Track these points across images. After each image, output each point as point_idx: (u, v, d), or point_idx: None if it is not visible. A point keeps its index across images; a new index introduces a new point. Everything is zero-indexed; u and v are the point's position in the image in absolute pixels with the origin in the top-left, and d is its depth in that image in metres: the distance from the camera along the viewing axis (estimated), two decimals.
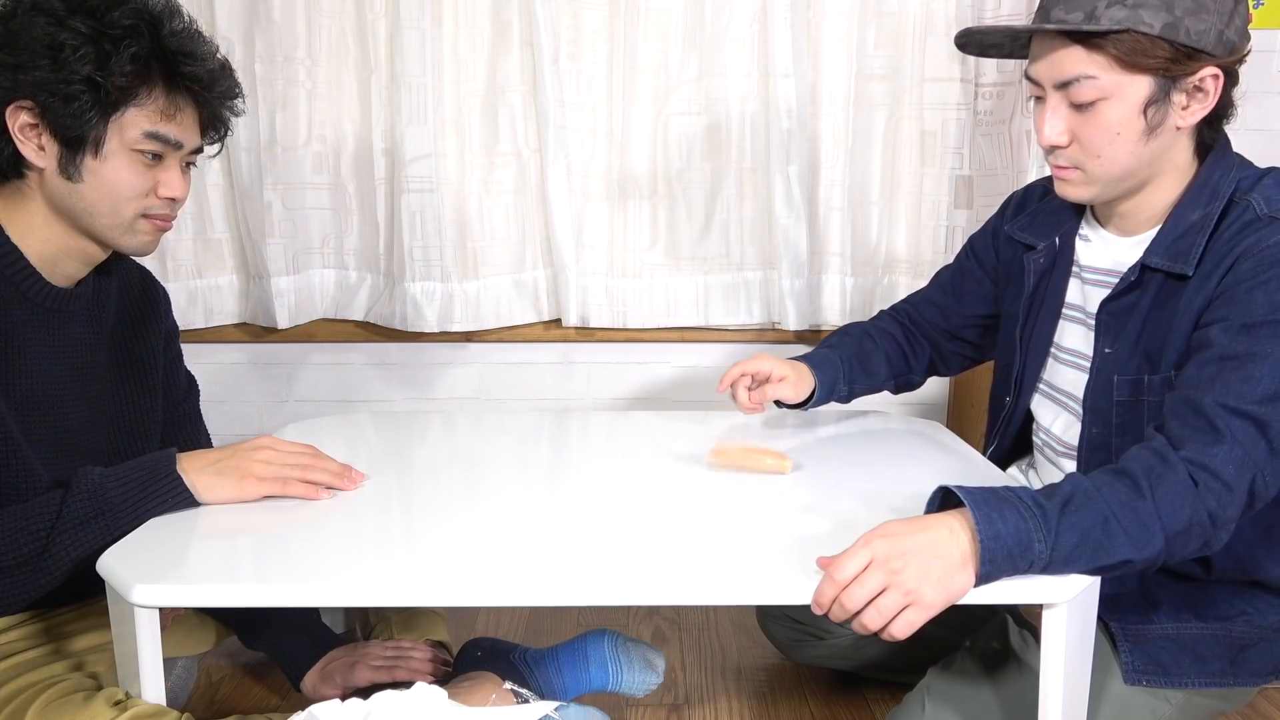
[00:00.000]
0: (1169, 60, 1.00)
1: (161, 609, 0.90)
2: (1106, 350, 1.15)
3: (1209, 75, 1.03)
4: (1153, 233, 1.12)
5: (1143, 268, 1.11)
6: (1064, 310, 1.24)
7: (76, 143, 1.05)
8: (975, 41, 1.16)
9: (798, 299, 1.89)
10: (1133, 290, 1.13)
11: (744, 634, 1.75)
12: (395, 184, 1.86)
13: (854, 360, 1.43)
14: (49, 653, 1.11)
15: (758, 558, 0.95)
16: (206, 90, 1.12)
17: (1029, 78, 1.10)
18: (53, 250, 1.11)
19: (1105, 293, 1.16)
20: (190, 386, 1.37)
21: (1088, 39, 1.01)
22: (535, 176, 1.93)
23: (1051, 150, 1.09)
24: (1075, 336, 1.22)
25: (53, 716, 0.96)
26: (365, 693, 1.00)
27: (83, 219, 1.09)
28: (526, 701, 1.19)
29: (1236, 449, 0.95)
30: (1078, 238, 1.23)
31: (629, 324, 1.97)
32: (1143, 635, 1.11)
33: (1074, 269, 1.23)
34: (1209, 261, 1.05)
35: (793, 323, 1.90)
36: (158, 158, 1.10)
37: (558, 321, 1.99)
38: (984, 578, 0.88)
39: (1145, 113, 1.03)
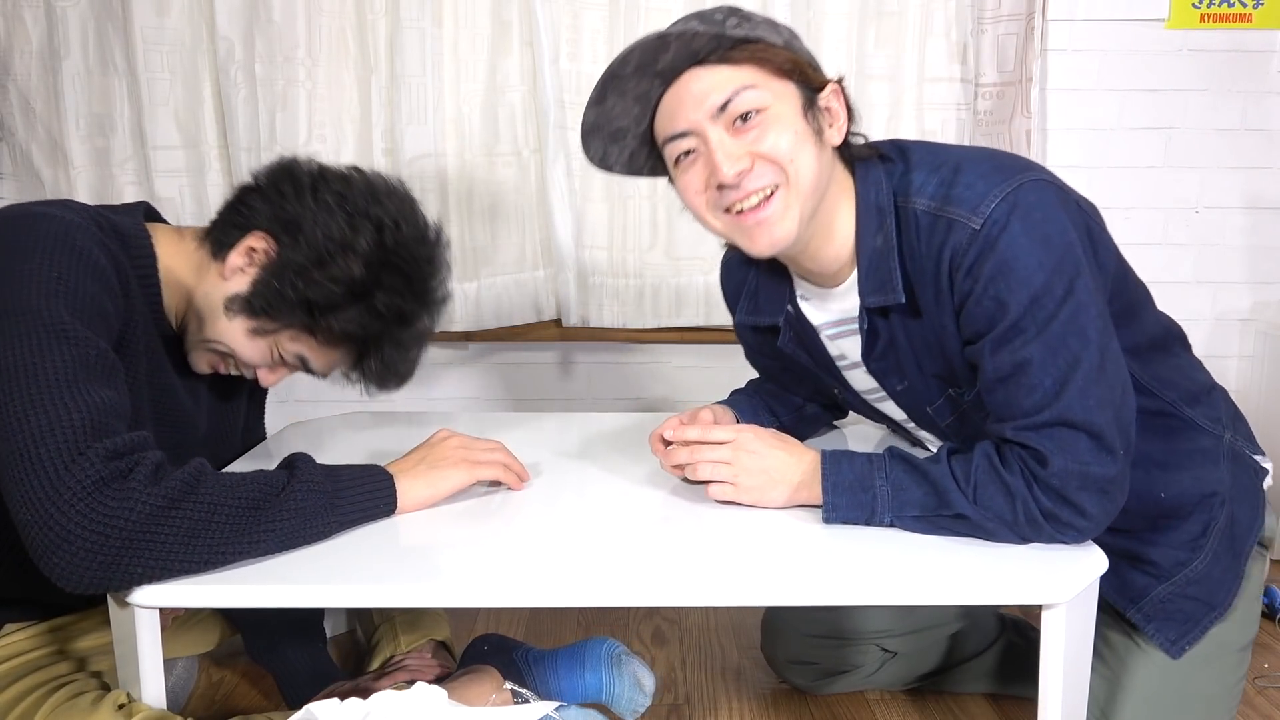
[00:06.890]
0: (799, 70, 1.01)
1: (161, 609, 0.90)
2: (899, 388, 1.13)
3: (831, 93, 1.04)
4: (854, 275, 1.08)
5: (867, 313, 1.07)
6: (838, 363, 1.19)
7: (257, 312, 1.07)
8: (601, 133, 1.07)
9: None
10: (877, 336, 1.09)
11: (744, 634, 1.75)
12: None
13: (764, 393, 1.38)
14: (53, 653, 1.11)
15: (757, 558, 0.95)
16: (379, 389, 1.15)
17: (671, 139, 1.02)
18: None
19: (856, 338, 1.12)
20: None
21: (726, 58, 0.99)
22: (535, 176, 1.93)
23: (738, 183, 0.99)
24: (866, 380, 1.17)
25: (60, 718, 0.96)
26: (365, 693, 1.00)
27: (194, 308, 1.10)
28: (526, 701, 1.19)
29: (1059, 458, 0.94)
30: (800, 301, 1.17)
31: (629, 324, 1.97)
32: (1158, 610, 1.11)
33: (816, 330, 1.17)
34: (922, 282, 1.02)
35: None
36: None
37: (558, 321, 1.99)
38: (829, 490, 1.00)
39: (806, 117, 1.01)
